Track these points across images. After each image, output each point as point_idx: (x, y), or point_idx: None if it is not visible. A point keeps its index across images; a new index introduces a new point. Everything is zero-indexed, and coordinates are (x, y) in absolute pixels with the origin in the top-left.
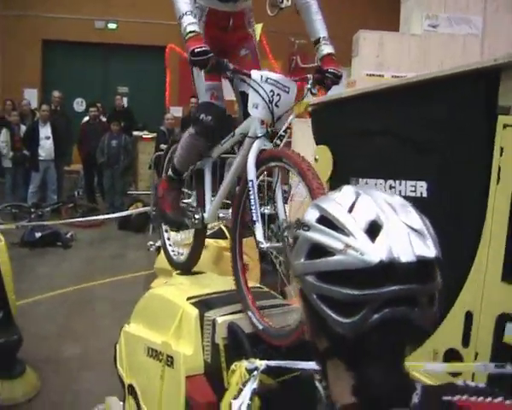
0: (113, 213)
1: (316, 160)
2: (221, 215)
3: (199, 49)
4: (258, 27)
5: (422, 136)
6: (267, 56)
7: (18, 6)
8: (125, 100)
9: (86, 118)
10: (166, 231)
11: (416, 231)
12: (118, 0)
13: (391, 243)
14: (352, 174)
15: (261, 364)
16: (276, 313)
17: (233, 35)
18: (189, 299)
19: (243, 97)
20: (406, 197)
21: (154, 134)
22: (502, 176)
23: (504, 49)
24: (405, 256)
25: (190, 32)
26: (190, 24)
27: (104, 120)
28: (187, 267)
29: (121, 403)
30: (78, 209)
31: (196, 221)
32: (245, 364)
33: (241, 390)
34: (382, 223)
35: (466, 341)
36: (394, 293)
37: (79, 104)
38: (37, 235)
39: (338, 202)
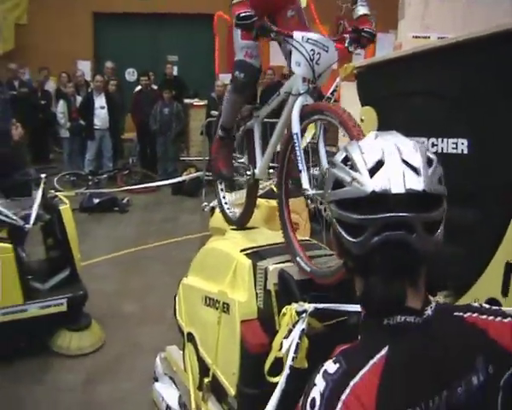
0: (167, 179)
1: (362, 120)
2: (271, 171)
3: (244, 14)
4: None
5: (463, 95)
6: (315, 21)
7: None
8: (175, 68)
9: (138, 87)
10: (222, 190)
11: (412, 167)
12: None
13: (386, 178)
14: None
15: (310, 306)
16: (324, 260)
17: None
18: (242, 251)
19: (288, 57)
20: (448, 154)
21: (205, 101)
22: None
23: None
24: (396, 188)
25: None
26: None
27: (156, 88)
28: (241, 223)
29: (181, 352)
30: (133, 176)
31: (248, 177)
32: (295, 307)
33: (290, 331)
34: (384, 161)
35: (505, 290)
36: (388, 219)
37: (131, 74)
38: (96, 201)
39: (359, 146)
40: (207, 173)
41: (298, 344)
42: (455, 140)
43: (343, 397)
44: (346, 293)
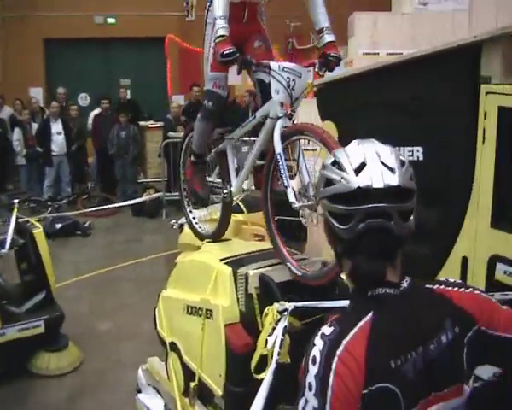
0: (126, 200)
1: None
2: (245, 188)
3: (227, 51)
4: None
5: (417, 106)
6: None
7: (18, 7)
8: (128, 92)
9: (96, 111)
10: (191, 211)
11: (389, 168)
12: None
13: (368, 176)
14: None
15: (290, 305)
16: (309, 262)
17: (247, 27)
18: (221, 260)
19: (261, 84)
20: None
21: (161, 123)
22: (486, 136)
23: (490, 20)
24: (377, 184)
25: (221, 35)
26: (221, 28)
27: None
28: (216, 236)
29: (163, 362)
30: (92, 200)
31: (225, 195)
32: (276, 306)
33: (274, 329)
34: (366, 164)
35: (463, 281)
36: (370, 209)
37: (83, 99)
38: (58, 226)
39: (345, 151)
40: (167, 194)
41: (282, 340)
42: (411, 148)
43: (338, 352)
44: (321, 294)
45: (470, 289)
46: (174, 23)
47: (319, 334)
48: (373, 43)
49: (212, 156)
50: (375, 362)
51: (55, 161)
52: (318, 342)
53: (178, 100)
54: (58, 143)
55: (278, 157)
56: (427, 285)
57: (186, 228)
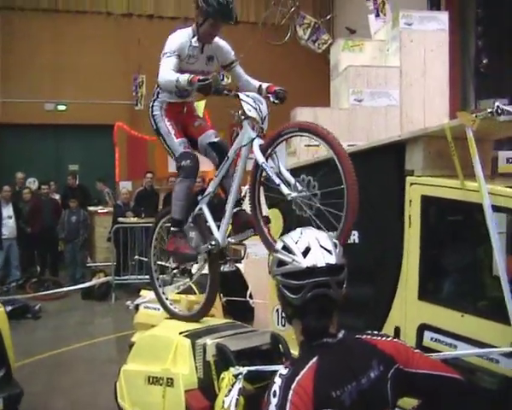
0: (74, 284)
1: (269, 220)
2: (232, 241)
3: (202, 78)
4: (202, 104)
5: None
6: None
7: None
8: (77, 177)
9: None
10: (164, 293)
11: (327, 250)
12: (66, 83)
13: (313, 257)
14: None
15: (244, 369)
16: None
17: (186, 116)
18: (181, 333)
19: (213, 146)
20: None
21: (110, 208)
22: (412, 221)
23: (417, 114)
24: (320, 263)
25: (188, 77)
26: (184, 77)
27: (57, 197)
28: (204, 312)
29: None
30: (42, 283)
31: (213, 247)
32: (232, 371)
33: (230, 390)
34: (310, 248)
35: None
36: (316, 282)
37: (32, 183)
38: (8, 309)
39: (291, 238)
40: (116, 277)
41: (237, 400)
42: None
43: (292, 387)
44: (269, 361)
45: (390, 338)
46: (123, 111)
47: (278, 374)
48: None
49: (188, 226)
50: (320, 393)
51: (4, 244)
52: (277, 380)
53: (126, 186)
54: (8, 226)
55: (264, 166)
56: (357, 336)
57: (141, 308)
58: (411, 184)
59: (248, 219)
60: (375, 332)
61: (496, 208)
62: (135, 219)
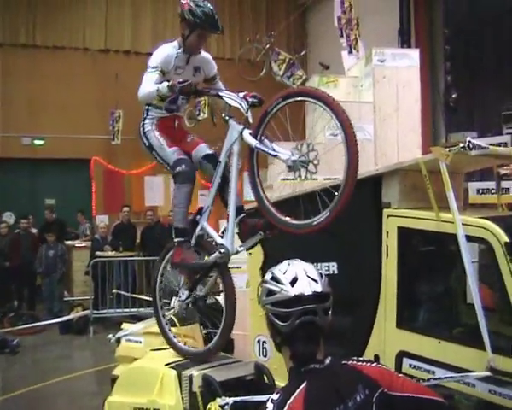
0: (52, 318)
1: (250, 253)
2: (241, 249)
3: (181, 80)
4: None
5: (332, 228)
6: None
7: None
8: (54, 211)
9: (17, 230)
10: (170, 330)
11: (314, 279)
12: (44, 117)
13: (301, 286)
14: (279, 261)
15: (230, 400)
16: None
17: (178, 130)
18: (166, 365)
19: (208, 158)
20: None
21: (87, 243)
22: (389, 252)
23: (391, 148)
24: (307, 291)
25: (168, 83)
26: (163, 84)
27: (34, 231)
28: (227, 334)
29: None
30: (19, 318)
31: (222, 254)
32: (218, 401)
33: None
34: (298, 278)
35: None
36: (303, 310)
37: (9, 217)
38: None
39: (279, 269)
40: (95, 311)
41: None
42: (327, 264)
43: None
44: (254, 391)
45: (375, 364)
46: (100, 146)
47: (269, 400)
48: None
49: (192, 249)
50: None
51: None
52: (269, 405)
53: (103, 220)
54: None
55: (259, 146)
56: (344, 362)
57: (123, 341)
58: (388, 216)
59: (255, 223)
60: (361, 358)
61: (469, 238)
62: (113, 253)
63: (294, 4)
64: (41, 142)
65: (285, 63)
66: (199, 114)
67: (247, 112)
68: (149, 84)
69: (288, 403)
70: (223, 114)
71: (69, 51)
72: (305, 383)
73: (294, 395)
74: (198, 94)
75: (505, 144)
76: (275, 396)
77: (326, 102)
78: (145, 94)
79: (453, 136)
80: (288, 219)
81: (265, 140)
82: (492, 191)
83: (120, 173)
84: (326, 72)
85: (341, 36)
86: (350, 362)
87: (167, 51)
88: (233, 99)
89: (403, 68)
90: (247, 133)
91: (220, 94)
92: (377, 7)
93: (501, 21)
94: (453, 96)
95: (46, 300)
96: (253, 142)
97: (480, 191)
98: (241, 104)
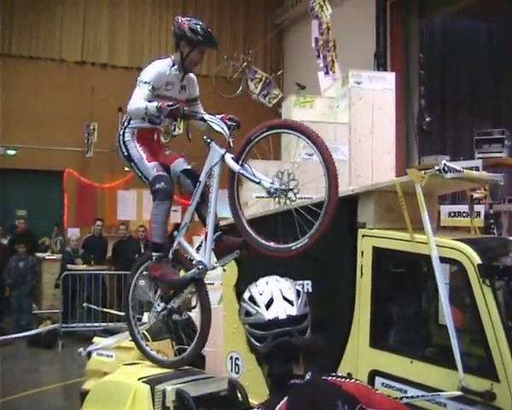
0: (20, 331)
1: (224, 270)
2: (217, 265)
3: (171, 104)
4: None
5: None
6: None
7: None
8: (25, 223)
9: None
10: (147, 345)
11: (289, 302)
12: (16, 127)
13: (275, 310)
14: (254, 279)
15: None
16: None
17: (157, 143)
18: (140, 379)
19: (187, 173)
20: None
21: (58, 255)
22: (364, 271)
23: (365, 169)
24: (281, 315)
25: (157, 104)
26: (152, 104)
27: (5, 242)
28: (202, 341)
29: None
30: None
31: (200, 270)
32: None
33: None
34: (273, 300)
35: None
36: (278, 332)
37: None
38: None
39: (257, 289)
40: (64, 325)
41: None
42: (301, 281)
43: None
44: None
45: (353, 380)
46: (73, 158)
47: None
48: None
49: (169, 264)
50: None
51: None
52: None
53: (75, 233)
54: None
55: (242, 171)
56: (323, 377)
57: (94, 355)
58: (363, 235)
59: (232, 241)
60: (339, 374)
61: (442, 260)
62: (84, 266)
63: (272, 24)
64: (13, 152)
65: (261, 82)
66: (174, 130)
67: (229, 137)
68: (140, 99)
69: None
70: (204, 137)
71: (45, 62)
72: (286, 398)
73: (276, 409)
74: (185, 117)
75: (477, 168)
76: None
77: (311, 138)
78: (134, 109)
79: (426, 159)
80: (267, 243)
81: (246, 165)
82: (464, 215)
83: (93, 186)
84: (302, 92)
85: (318, 57)
86: (330, 378)
87: (160, 68)
88: (217, 124)
89: (379, 91)
90: (229, 157)
91: (205, 118)
92: (354, 30)
93: (475, 49)
94: (427, 119)
95: (14, 312)
96: (235, 167)
97: (452, 214)
98: (223, 129)
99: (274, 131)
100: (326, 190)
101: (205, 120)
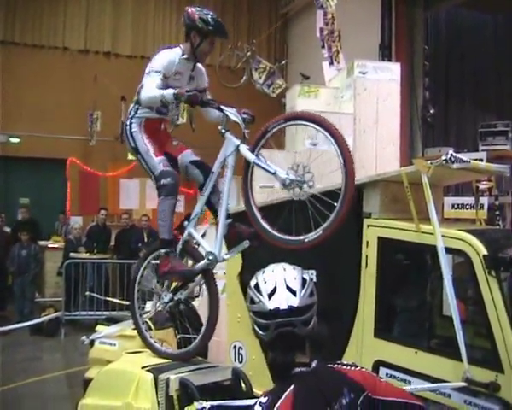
0: (23, 320)
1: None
2: (227, 256)
3: (188, 89)
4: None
5: None
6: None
7: None
8: (28, 211)
9: None
10: (151, 336)
11: (292, 292)
12: (20, 115)
13: (277, 300)
14: (258, 268)
15: (207, 404)
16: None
17: (164, 133)
18: (143, 368)
19: (195, 164)
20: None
21: (61, 243)
22: (368, 262)
23: (370, 160)
24: (283, 306)
25: (174, 91)
26: (169, 91)
27: (8, 230)
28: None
29: None
30: None
31: (210, 261)
32: (195, 405)
33: None
34: (276, 289)
35: None
36: (279, 322)
37: None
38: None
39: (263, 277)
40: (66, 313)
41: None
42: (306, 271)
43: None
44: (230, 396)
45: (358, 368)
46: (76, 146)
47: (257, 403)
48: (269, 178)
49: (178, 255)
50: None
51: None
52: (257, 408)
53: (77, 221)
54: None
55: (257, 161)
56: (329, 365)
57: (97, 343)
58: (368, 225)
59: (243, 229)
60: (345, 362)
61: (448, 250)
62: (87, 255)
63: (276, 13)
64: (16, 140)
65: (265, 72)
66: (177, 119)
67: (245, 128)
68: (153, 88)
69: (277, 406)
70: (219, 127)
71: (48, 50)
72: (292, 386)
73: (282, 398)
74: (202, 105)
75: (481, 160)
76: (263, 399)
77: (329, 131)
78: (148, 97)
79: (430, 151)
80: (279, 234)
81: (261, 156)
82: (467, 206)
83: (96, 175)
84: (306, 81)
85: (323, 47)
86: (335, 366)
87: (170, 57)
88: (233, 114)
89: (384, 81)
90: (244, 148)
91: (222, 107)
92: (359, 21)
93: (479, 41)
94: (431, 111)
95: (17, 300)
96: (251, 157)
97: (455, 206)
98: (239, 119)
99: (291, 123)
100: (343, 184)
101: (221, 110)
